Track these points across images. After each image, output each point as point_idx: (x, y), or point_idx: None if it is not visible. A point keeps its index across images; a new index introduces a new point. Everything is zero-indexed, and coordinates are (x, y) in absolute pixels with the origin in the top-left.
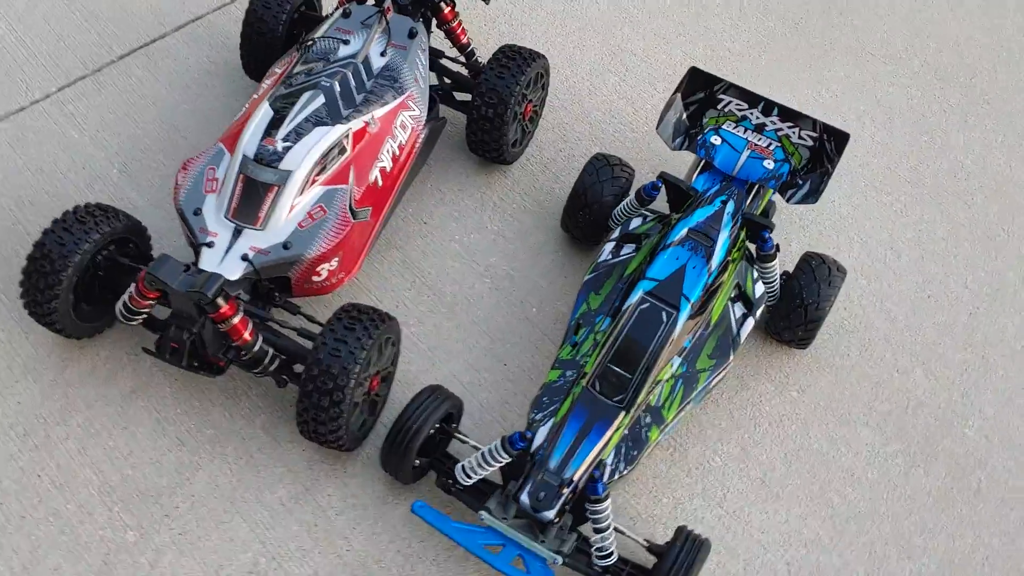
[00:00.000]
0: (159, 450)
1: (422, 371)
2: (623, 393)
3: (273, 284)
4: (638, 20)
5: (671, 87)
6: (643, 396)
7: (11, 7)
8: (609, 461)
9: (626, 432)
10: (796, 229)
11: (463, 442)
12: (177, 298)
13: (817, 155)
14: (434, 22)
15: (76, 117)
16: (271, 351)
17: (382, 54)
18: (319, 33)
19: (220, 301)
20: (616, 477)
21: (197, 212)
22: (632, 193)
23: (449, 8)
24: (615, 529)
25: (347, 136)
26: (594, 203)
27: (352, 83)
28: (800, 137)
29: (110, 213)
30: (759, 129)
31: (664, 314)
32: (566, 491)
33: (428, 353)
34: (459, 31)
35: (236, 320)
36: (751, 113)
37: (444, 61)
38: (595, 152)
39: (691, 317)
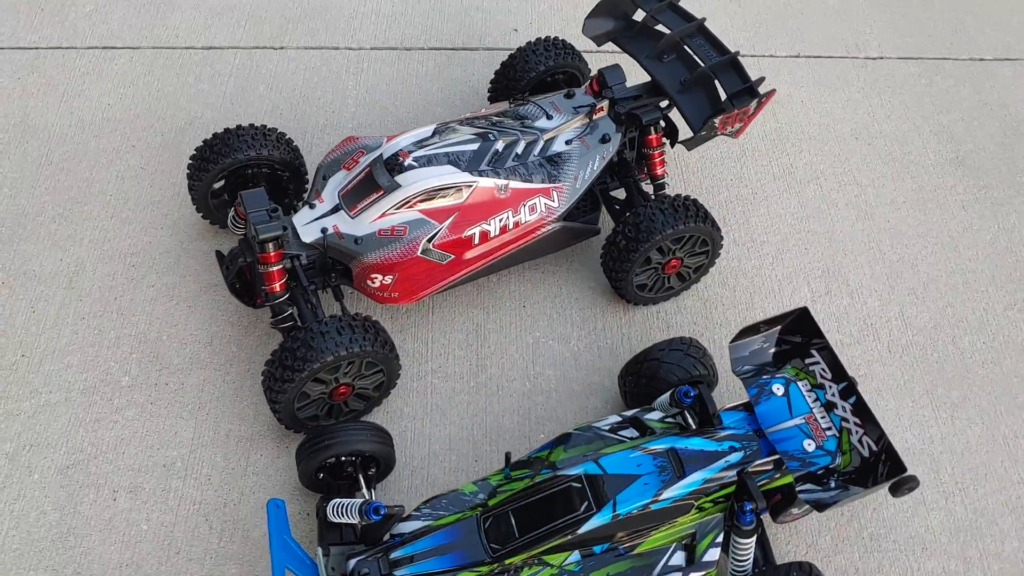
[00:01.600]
0: (195, 338)
1: (408, 417)
2: (500, 545)
3: (338, 268)
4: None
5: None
6: (517, 560)
7: None
8: None
9: None
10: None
11: (361, 486)
12: (247, 226)
13: (865, 470)
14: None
15: (361, 74)
16: (291, 311)
17: (567, 142)
18: (537, 97)
19: (269, 246)
20: None
21: (325, 177)
22: (669, 392)
23: (656, 136)
24: None
25: (468, 186)
26: (650, 376)
27: (517, 150)
28: (860, 441)
29: (284, 144)
30: (828, 407)
31: (584, 505)
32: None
33: (428, 407)
34: (657, 160)
35: (273, 269)
36: (830, 386)
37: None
38: (691, 336)
39: (612, 525)
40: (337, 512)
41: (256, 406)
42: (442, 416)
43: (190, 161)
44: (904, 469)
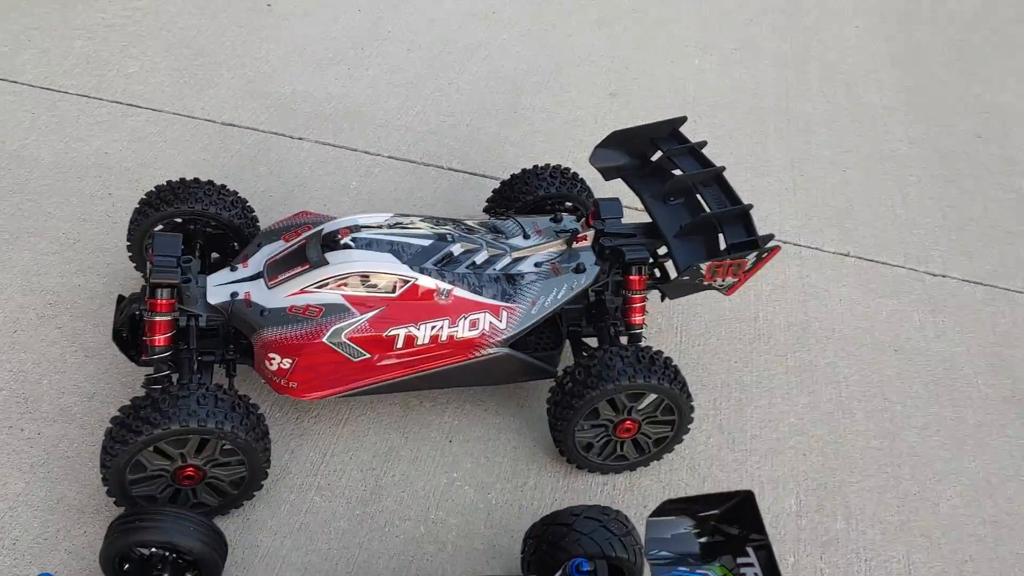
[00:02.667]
0: (77, 389)
1: (268, 531)
2: None
3: (240, 342)
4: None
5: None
6: None
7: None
8: None
9: None
10: None
11: None
12: (150, 269)
13: None
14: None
15: (368, 178)
16: (168, 373)
17: (536, 264)
18: (522, 216)
19: (161, 292)
20: None
21: (260, 245)
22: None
23: (640, 278)
24: None
25: (403, 281)
26: (552, 544)
27: (476, 259)
28: None
29: (239, 207)
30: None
31: None
32: None
33: (296, 526)
34: (636, 306)
35: (159, 319)
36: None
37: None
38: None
39: None
40: None
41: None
42: (308, 540)
43: (138, 203)
44: None
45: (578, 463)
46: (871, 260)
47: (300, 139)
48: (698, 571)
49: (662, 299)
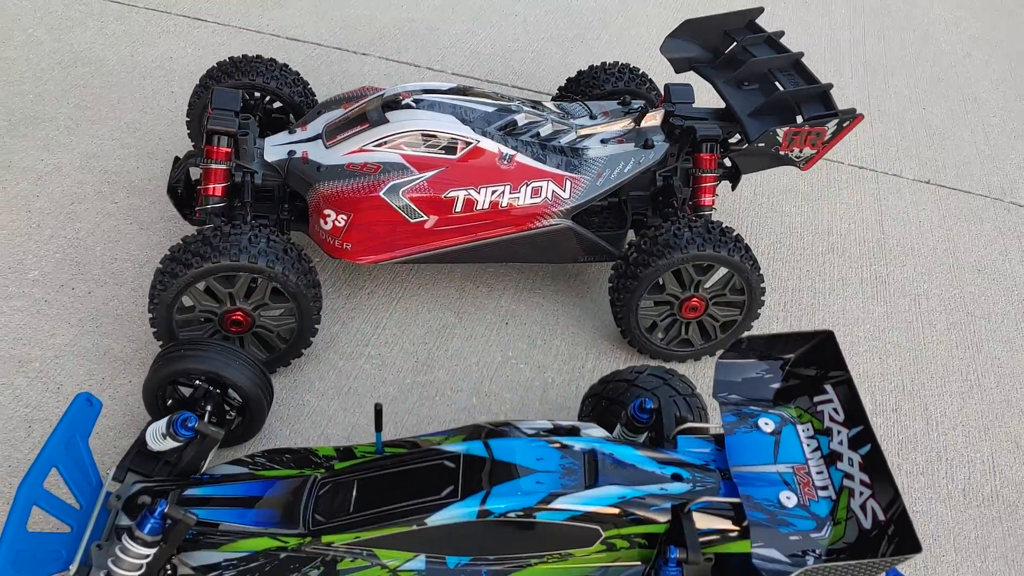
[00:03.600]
0: (129, 257)
1: (316, 393)
2: (326, 519)
3: (296, 204)
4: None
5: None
6: (338, 543)
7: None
8: (221, 559)
9: (281, 552)
10: None
11: (218, 419)
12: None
13: (861, 545)
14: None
15: None
16: (219, 222)
17: (603, 141)
18: (591, 101)
19: (218, 139)
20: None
21: (320, 112)
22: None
23: (711, 156)
24: None
25: (465, 143)
26: (613, 399)
27: (541, 130)
28: (863, 506)
29: (299, 86)
30: (831, 460)
31: (448, 488)
32: (154, 517)
33: (344, 390)
34: (706, 186)
35: (215, 167)
36: (839, 431)
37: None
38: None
39: (477, 528)
40: (154, 435)
41: (151, 336)
42: (356, 403)
43: (199, 81)
44: (918, 547)
45: (640, 346)
46: (953, 188)
47: (364, 55)
48: (771, 411)
49: (732, 188)
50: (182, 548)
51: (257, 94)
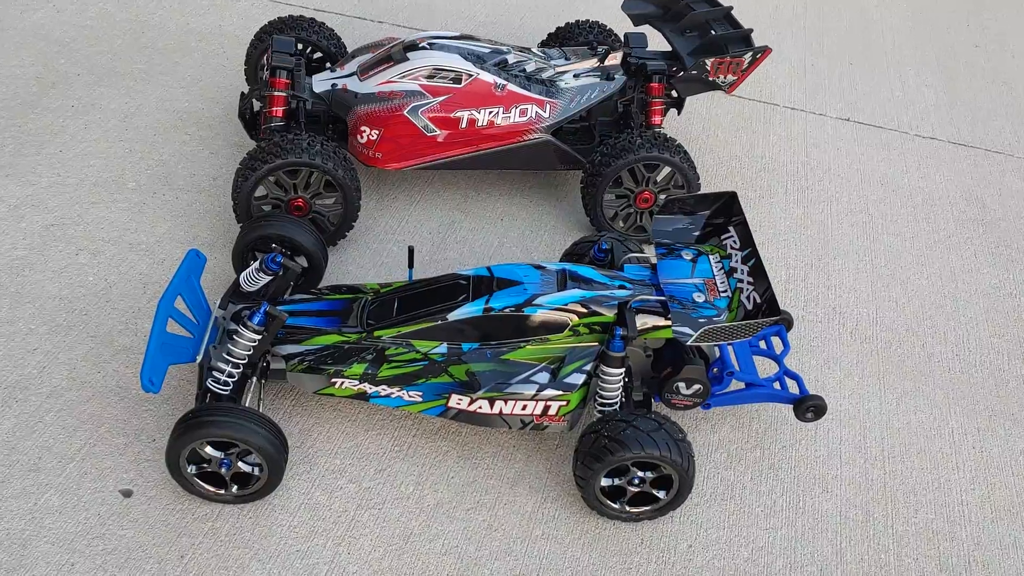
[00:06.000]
0: (204, 172)
1: (356, 266)
2: (375, 321)
3: (337, 126)
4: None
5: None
6: (386, 337)
7: None
8: (303, 350)
9: (345, 345)
10: None
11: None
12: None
13: (748, 319)
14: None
15: None
16: (288, 138)
17: (575, 76)
18: (567, 47)
19: (280, 73)
20: (287, 362)
21: (354, 56)
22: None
23: (659, 85)
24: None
25: (468, 75)
26: (580, 255)
27: (526, 67)
28: (748, 297)
29: (334, 38)
30: (730, 272)
31: (462, 296)
32: (260, 313)
33: (377, 264)
34: (655, 109)
35: (277, 94)
36: (735, 255)
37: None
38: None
39: (482, 321)
40: (247, 278)
41: (228, 224)
42: (387, 274)
43: (254, 36)
44: (778, 312)
45: (605, 231)
46: (868, 124)
47: (380, 22)
48: (693, 247)
49: (678, 113)
50: (275, 343)
51: (300, 45)
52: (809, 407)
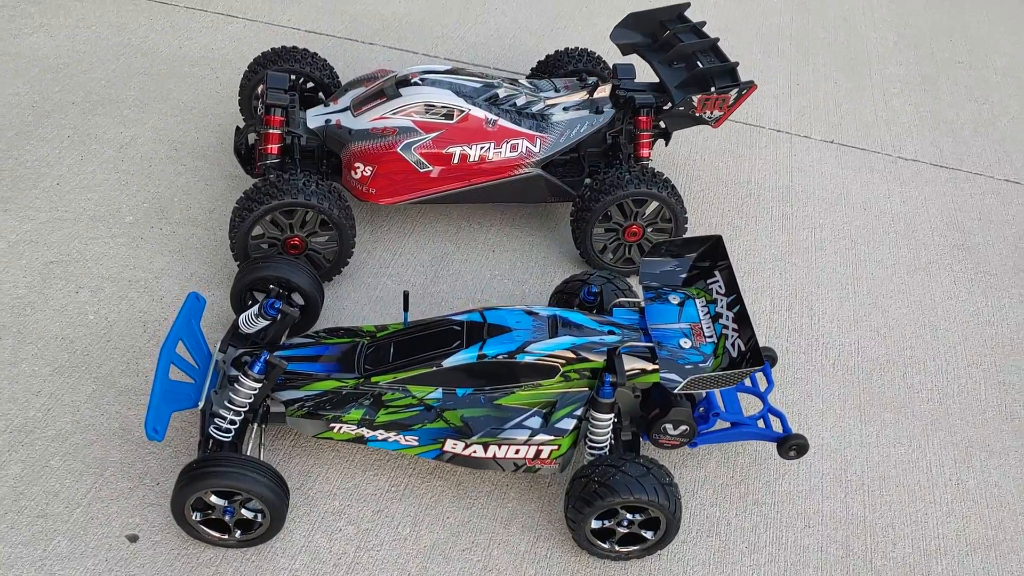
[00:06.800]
0: (200, 205)
1: (351, 301)
2: (373, 367)
3: (331, 160)
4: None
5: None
6: (383, 381)
7: None
8: (302, 395)
9: (343, 390)
10: None
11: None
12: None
13: (731, 367)
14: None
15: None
16: (277, 173)
17: (564, 109)
18: (556, 78)
19: (274, 111)
20: (286, 407)
21: (347, 89)
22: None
23: (647, 119)
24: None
25: (460, 111)
26: (572, 293)
27: (516, 101)
28: (733, 344)
29: (325, 68)
30: (715, 318)
31: (456, 342)
32: (260, 362)
33: (372, 299)
34: (643, 141)
35: (272, 131)
36: (720, 300)
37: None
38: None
39: (476, 368)
40: (246, 321)
41: (225, 259)
42: (382, 309)
43: (247, 67)
44: (761, 362)
45: (594, 265)
46: (852, 146)
47: (371, 44)
48: (678, 290)
49: (666, 144)
50: (275, 389)
51: (293, 76)
52: (792, 446)
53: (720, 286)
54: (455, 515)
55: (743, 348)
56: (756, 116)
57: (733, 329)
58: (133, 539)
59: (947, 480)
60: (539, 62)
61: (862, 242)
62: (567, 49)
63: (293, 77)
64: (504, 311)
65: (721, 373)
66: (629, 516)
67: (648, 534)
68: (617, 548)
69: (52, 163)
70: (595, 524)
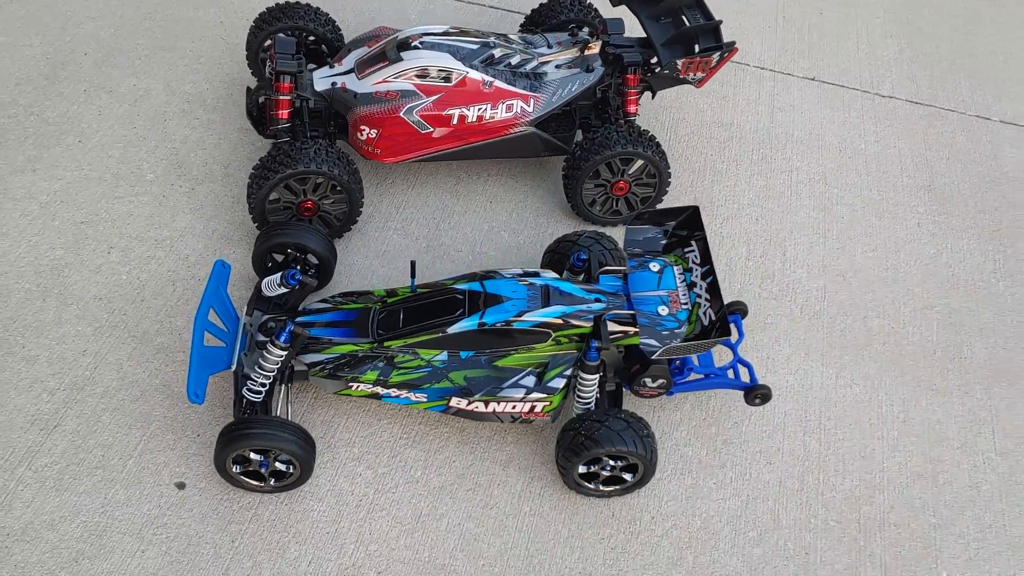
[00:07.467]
0: (216, 160)
1: (361, 254)
2: (385, 332)
3: (338, 121)
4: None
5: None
6: (395, 346)
7: None
8: (323, 358)
9: (359, 353)
10: None
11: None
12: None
13: (702, 335)
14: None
15: (426, 15)
16: (287, 137)
17: (556, 66)
18: (549, 32)
19: (284, 78)
20: (309, 368)
21: (350, 49)
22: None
23: (634, 76)
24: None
25: (457, 73)
26: (563, 253)
27: (511, 60)
28: (705, 313)
29: (329, 24)
30: (691, 286)
31: (459, 312)
32: (286, 332)
33: (380, 252)
34: (631, 98)
35: (282, 98)
36: (696, 270)
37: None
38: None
39: (477, 334)
40: (268, 285)
41: (243, 216)
42: (389, 262)
43: (252, 23)
44: (728, 332)
45: (584, 216)
46: (832, 83)
47: None
48: (659, 257)
49: (652, 97)
50: (299, 352)
51: (299, 32)
52: (757, 395)
53: (696, 256)
54: (460, 459)
55: (713, 318)
56: (742, 53)
57: (706, 299)
58: (181, 486)
59: (895, 418)
60: (532, 10)
61: (835, 184)
62: None
63: (298, 36)
64: (501, 281)
65: (692, 343)
66: (612, 463)
67: (628, 476)
68: (601, 488)
69: (73, 119)
70: (582, 469)
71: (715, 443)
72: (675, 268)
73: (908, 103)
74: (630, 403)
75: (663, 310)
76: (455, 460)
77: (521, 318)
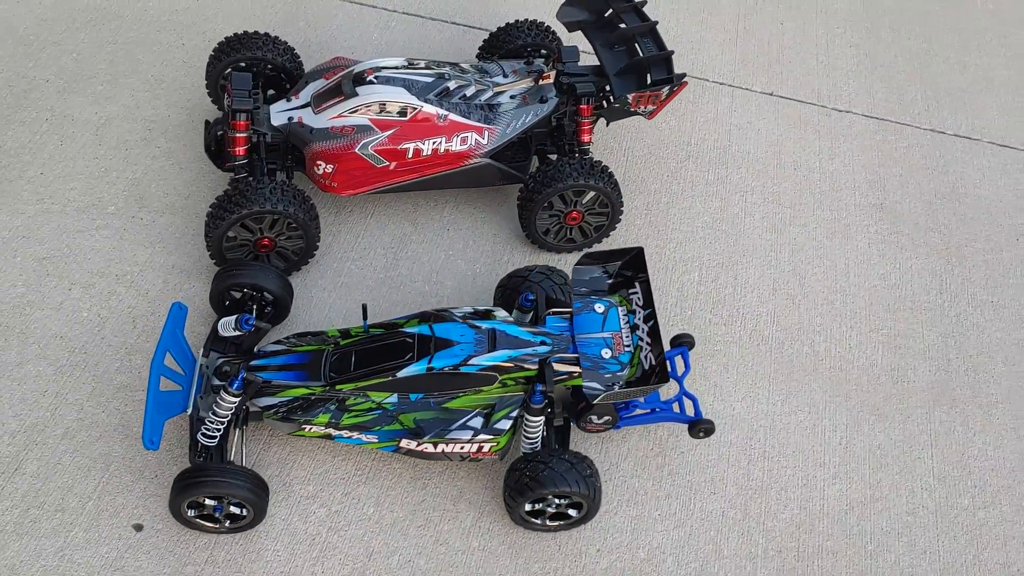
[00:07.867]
0: (177, 191)
1: (319, 288)
2: (337, 375)
3: (295, 154)
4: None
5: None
6: (346, 389)
7: None
8: (276, 402)
9: (312, 396)
10: None
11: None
12: (231, 99)
13: (643, 379)
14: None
15: (386, 32)
16: (245, 175)
17: (511, 97)
18: (504, 60)
19: (240, 116)
20: (263, 411)
21: (307, 82)
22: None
23: (587, 107)
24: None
25: (412, 108)
26: (513, 289)
27: (466, 92)
28: (646, 357)
29: (288, 54)
30: (633, 329)
31: (408, 356)
32: (239, 380)
33: (338, 284)
34: (585, 128)
35: (239, 135)
36: (639, 312)
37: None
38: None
39: (425, 378)
40: (224, 327)
41: (202, 249)
42: (347, 293)
43: (211, 52)
44: (666, 379)
45: (539, 245)
46: (789, 99)
47: None
48: (604, 298)
49: (607, 124)
50: (253, 396)
51: (255, 65)
52: (700, 429)
53: (639, 298)
54: (412, 495)
55: (653, 363)
56: (701, 67)
57: (647, 343)
58: (139, 528)
59: (837, 444)
60: (491, 34)
61: (789, 204)
62: (516, 22)
63: (255, 68)
64: (450, 324)
65: (632, 389)
66: (557, 500)
67: (573, 512)
68: (548, 524)
69: (34, 150)
70: (528, 507)
71: (661, 473)
72: (620, 309)
73: (864, 117)
74: (579, 435)
75: (606, 353)
76: (407, 496)
77: (468, 362)
